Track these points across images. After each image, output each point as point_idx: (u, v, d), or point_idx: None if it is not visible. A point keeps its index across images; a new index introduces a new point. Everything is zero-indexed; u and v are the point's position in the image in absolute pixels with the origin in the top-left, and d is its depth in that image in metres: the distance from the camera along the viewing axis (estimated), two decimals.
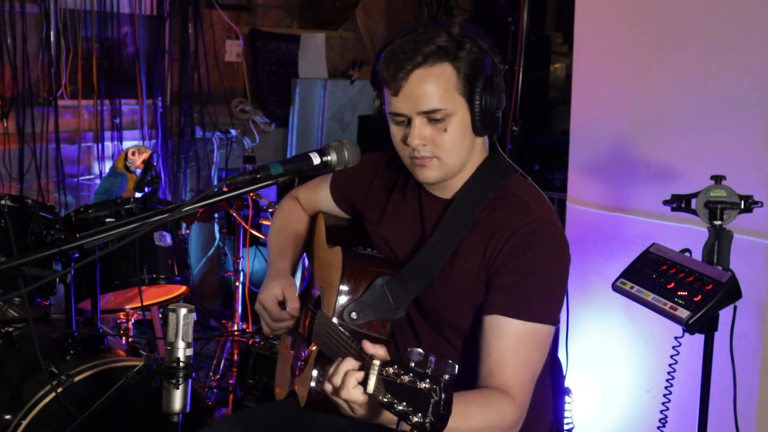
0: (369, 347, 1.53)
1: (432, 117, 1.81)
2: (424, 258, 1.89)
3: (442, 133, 1.82)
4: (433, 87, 1.80)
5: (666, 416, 2.35)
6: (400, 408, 1.38)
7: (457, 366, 1.39)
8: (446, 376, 1.38)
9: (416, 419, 1.37)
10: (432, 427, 1.36)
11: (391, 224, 2.03)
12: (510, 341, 1.78)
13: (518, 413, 1.76)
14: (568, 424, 2.23)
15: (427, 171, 1.87)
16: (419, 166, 1.86)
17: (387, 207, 2.05)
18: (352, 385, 1.50)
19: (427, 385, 1.38)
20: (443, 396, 1.37)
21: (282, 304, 2.04)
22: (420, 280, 1.89)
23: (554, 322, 1.83)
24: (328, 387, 1.55)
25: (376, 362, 1.44)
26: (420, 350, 1.41)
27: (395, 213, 2.03)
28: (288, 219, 2.28)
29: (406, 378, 1.40)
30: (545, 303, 1.82)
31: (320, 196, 2.24)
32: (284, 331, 2.12)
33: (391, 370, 1.42)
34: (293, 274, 2.16)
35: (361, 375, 1.50)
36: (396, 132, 1.87)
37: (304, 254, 2.29)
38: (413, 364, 1.41)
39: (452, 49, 1.81)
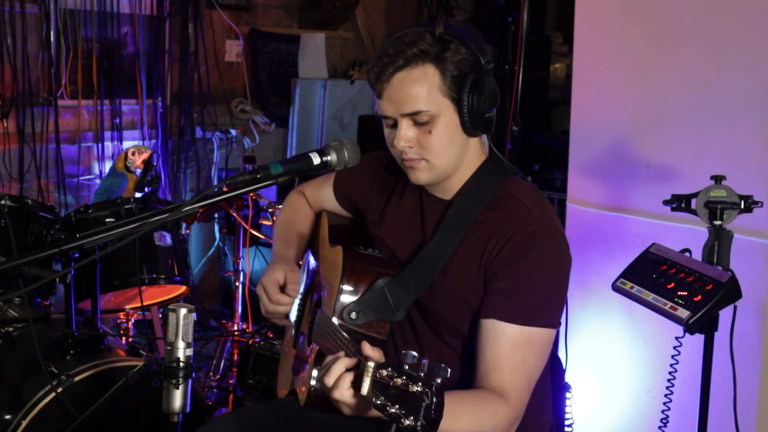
0: (368, 349, 1.52)
1: (416, 119, 1.81)
2: (424, 259, 1.88)
3: (427, 135, 1.82)
4: (416, 89, 1.79)
5: (666, 416, 2.35)
6: (393, 411, 1.38)
7: (449, 370, 1.40)
8: (438, 380, 1.39)
9: (408, 422, 1.37)
10: (423, 431, 1.36)
11: (391, 225, 2.03)
12: (506, 345, 1.77)
13: (513, 416, 1.75)
14: (568, 419, 2.22)
15: (417, 173, 1.87)
16: (410, 168, 1.87)
17: (387, 208, 2.05)
18: (345, 386, 1.51)
19: (419, 389, 1.38)
20: (434, 400, 1.37)
21: (283, 288, 2.05)
22: (420, 282, 1.88)
23: (553, 325, 1.82)
24: (319, 385, 1.56)
25: (371, 364, 1.43)
26: (414, 353, 1.42)
27: (395, 214, 2.03)
28: (295, 213, 2.30)
29: (399, 381, 1.40)
30: (543, 306, 1.80)
31: (324, 194, 2.25)
32: (281, 316, 2.11)
33: (384, 372, 1.41)
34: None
35: (353, 376, 1.50)
36: (387, 134, 1.88)
37: (308, 251, 2.29)
38: (407, 367, 1.41)
39: (435, 51, 1.79)
